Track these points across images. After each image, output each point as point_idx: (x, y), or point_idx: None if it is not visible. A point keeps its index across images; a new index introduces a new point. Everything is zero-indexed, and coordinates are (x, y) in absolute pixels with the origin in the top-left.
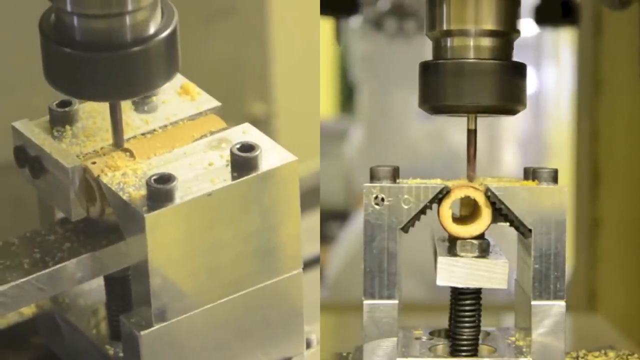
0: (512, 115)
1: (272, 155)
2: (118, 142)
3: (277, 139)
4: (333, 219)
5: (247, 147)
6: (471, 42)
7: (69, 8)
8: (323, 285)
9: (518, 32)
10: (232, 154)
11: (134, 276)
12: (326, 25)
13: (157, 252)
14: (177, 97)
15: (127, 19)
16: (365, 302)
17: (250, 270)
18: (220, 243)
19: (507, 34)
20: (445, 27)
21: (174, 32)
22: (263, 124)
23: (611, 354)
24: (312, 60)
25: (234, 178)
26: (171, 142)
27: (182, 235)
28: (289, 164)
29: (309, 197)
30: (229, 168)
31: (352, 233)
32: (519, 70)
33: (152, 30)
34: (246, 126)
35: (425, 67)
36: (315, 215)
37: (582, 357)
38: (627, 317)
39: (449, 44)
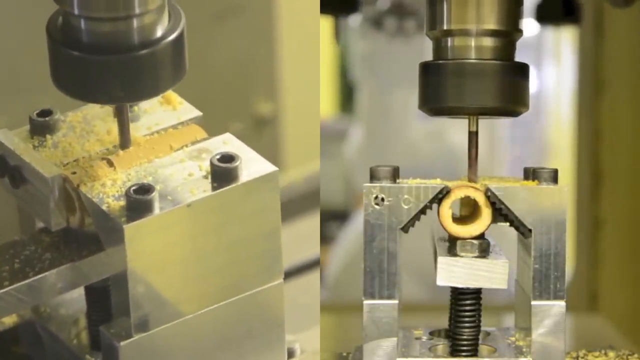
0: (514, 117)
1: (252, 165)
2: (125, 144)
3: (282, 139)
4: (333, 219)
5: (227, 158)
6: (472, 42)
7: (76, 11)
8: (323, 285)
9: (520, 31)
10: (212, 164)
11: (113, 286)
12: (325, 24)
13: (137, 262)
14: (159, 107)
15: (135, 22)
16: (365, 302)
17: (230, 280)
18: (200, 254)
19: (509, 33)
20: (445, 27)
21: (181, 35)
22: (269, 123)
23: (611, 354)
24: (316, 60)
25: (213, 189)
26: (152, 152)
27: (161, 245)
28: (270, 174)
29: (309, 199)
30: (209, 179)
31: (352, 233)
32: (522, 70)
33: (159, 33)
34: (227, 136)
35: (425, 68)
36: (315, 218)
37: (582, 357)
38: (628, 317)
39: (449, 44)
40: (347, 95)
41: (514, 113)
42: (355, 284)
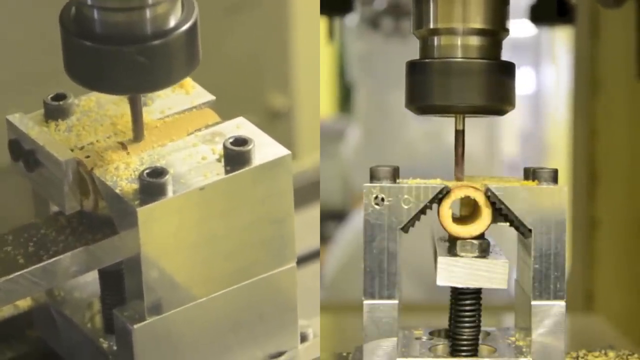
0: (501, 116)
1: (265, 149)
2: (138, 135)
3: (295, 132)
4: (331, 218)
5: (240, 141)
6: (459, 40)
7: (89, 1)
8: (322, 285)
9: (507, 30)
10: (225, 147)
11: (127, 270)
12: (321, 23)
13: (150, 245)
14: (172, 91)
15: (148, 12)
16: (365, 302)
17: (244, 263)
18: (213, 237)
19: (495, 32)
20: (432, 26)
21: (194, 26)
22: (283, 117)
23: (611, 354)
24: (317, 58)
25: (227, 172)
26: (165, 136)
27: (174, 229)
28: (283, 157)
29: (309, 190)
30: (222, 162)
31: (349, 233)
32: (508, 69)
33: (172, 23)
34: (240, 120)
35: (412, 67)
36: (315, 209)
37: (582, 357)
38: (624, 317)
39: (436, 43)
40: (344, 95)
41: (500, 112)
42: (353, 283)
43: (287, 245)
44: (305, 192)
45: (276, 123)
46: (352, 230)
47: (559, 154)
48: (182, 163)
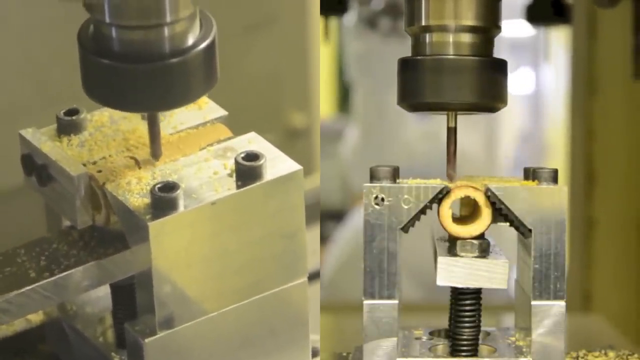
0: (492, 113)
1: (277, 164)
2: (156, 152)
3: (315, 150)
4: (329, 218)
5: (252, 156)
6: (450, 38)
7: (107, 19)
8: (321, 285)
9: (499, 28)
10: (236, 162)
11: (138, 284)
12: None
13: (161, 260)
14: (185, 106)
15: (166, 30)
16: (365, 302)
17: (255, 278)
18: (224, 251)
19: (487, 30)
20: (424, 23)
21: (212, 44)
22: (302, 135)
23: (611, 354)
24: (322, 56)
25: (238, 187)
26: (177, 151)
27: (186, 243)
28: (294, 173)
29: (309, 212)
30: (234, 177)
31: (348, 232)
32: (500, 66)
33: (190, 41)
34: (252, 135)
35: (403, 64)
36: (315, 230)
37: (582, 357)
38: (622, 316)
39: (427, 40)
40: (343, 95)
41: (492, 109)
42: (352, 283)
43: (299, 260)
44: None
45: (295, 141)
46: (351, 229)
47: (557, 154)
48: (194, 178)
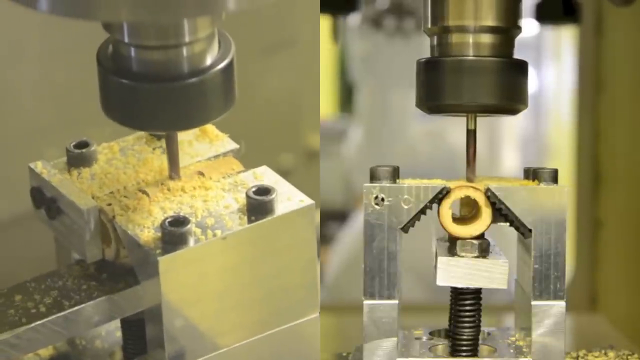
0: (513, 115)
1: (288, 199)
2: (174, 173)
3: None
4: (332, 219)
5: (263, 191)
6: (470, 38)
7: (126, 39)
8: (322, 285)
9: (519, 28)
10: (247, 197)
11: (148, 319)
12: (324, 23)
13: (172, 295)
14: (196, 140)
15: (185, 51)
16: (365, 302)
17: (266, 314)
18: (235, 287)
19: (507, 30)
20: (443, 23)
21: (230, 64)
22: (318, 157)
23: (611, 354)
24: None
25: (249, 221)
26: (188, 184)
27: (196, 278)
28: (305, 208)
29: None
30: (245, 211)
31: (351, 233)
32: (520, 68)
33: (209, 61)
34: (263, 169)
35: (423, 65)
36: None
37: (582, 357)
38: (628, 317)
39: (447, 41)
40: (346, 95)
41: (512, 111)
42: (355, 283)
43: (311, 295)
44: None
45: (312, 163)
46: (353, 230)
47: (562, 154)
48: (205, 212)
